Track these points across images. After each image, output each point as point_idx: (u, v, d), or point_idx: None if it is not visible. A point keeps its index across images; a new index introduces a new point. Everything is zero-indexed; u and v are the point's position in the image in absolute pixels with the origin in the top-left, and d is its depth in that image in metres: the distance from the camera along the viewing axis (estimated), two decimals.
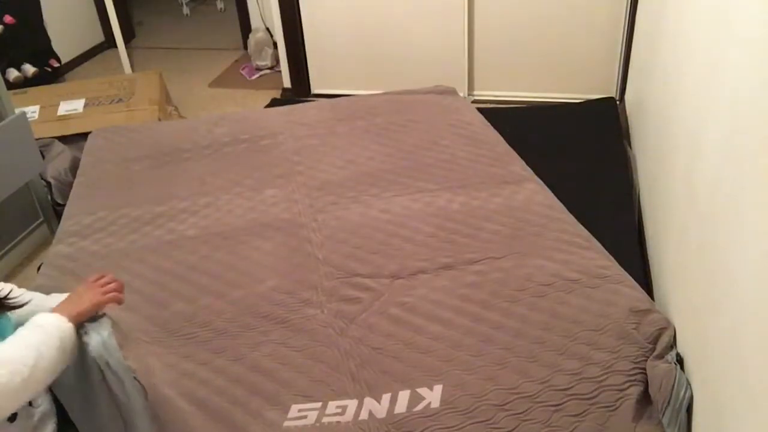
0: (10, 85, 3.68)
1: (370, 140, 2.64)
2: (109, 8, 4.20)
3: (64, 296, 1.30)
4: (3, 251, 2.59)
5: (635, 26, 3.15)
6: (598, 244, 1.95)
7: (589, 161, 2.63)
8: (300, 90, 3.89)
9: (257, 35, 4.34)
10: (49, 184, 2.79)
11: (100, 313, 1.29)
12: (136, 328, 1.71)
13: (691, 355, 1.46)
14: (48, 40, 4.27)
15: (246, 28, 4.58)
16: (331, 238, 2.07)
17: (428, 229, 2.07)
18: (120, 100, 3.33)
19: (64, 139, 3.06)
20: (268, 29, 4.32)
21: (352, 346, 1.66)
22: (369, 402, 1.50)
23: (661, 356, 1.51)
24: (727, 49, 1.43)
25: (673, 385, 1.41)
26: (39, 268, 2.16)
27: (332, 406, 1.50)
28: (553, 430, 1.40)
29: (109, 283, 1.31)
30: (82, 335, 1.23)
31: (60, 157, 2.94)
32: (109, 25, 4.33)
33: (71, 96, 3.38)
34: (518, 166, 2.39)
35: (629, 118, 3.09)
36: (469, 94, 3.67)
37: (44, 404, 1.25)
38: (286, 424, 1.46)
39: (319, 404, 1.51)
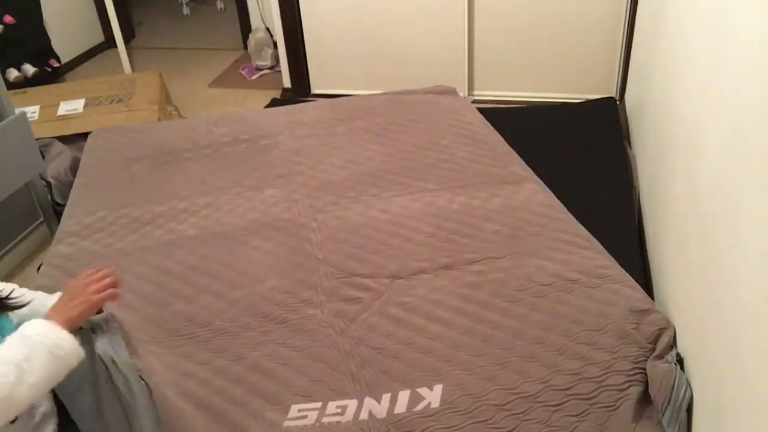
0: (10, 85, 3.68)
1: (370, 140, 2.63)
2: (109, 8, 4.19)
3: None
4: (3, 251, 2.59)
5: (635, 26, 3.15)
6: (598, 244, 1.95)
7: (589, 161, 2.63)
8: (300, 90, 3.89)
9: (257, 35, 4.33)
10: (49, 184, 2.78)
11: (102, 311, 1.28)
12: (136, 328, 1.71)
13: (691, 355, 1.46)
14: (48, 40, 4.27)
15: (246, 28, 4.57)
16: (331, 238, 2.07)
17: (428, 229, 2.07)
18: (120, 100, 3.33)
19: (64, 139, 3.06)
20: (268, 29, 4.32)
21: (352, 346, 1.66)
22: (369, 402, 1.50)
23: (661, 356, 1.51)
24: (727, 49, 1.43)
25: (673, 385, 1.41)
26: (39, 268, 2.16)
27: (332, 406, 1.50)
28: (553, 430, 1.40)
29: (104, 278, 1.25)
30: (89, 332, 1.23)
31: (60, 157, 2.93)
32: (109, 25, 4.33)
33: (71, 96, 3.38)
34: (518, 166, 2.39)
35: (629, 118, 3.08)
36: (469, 94, 3.67)
37: (45, 404, 1.25)
38: (286, 424, 1.46)
39: (319, 404, 1.51)
